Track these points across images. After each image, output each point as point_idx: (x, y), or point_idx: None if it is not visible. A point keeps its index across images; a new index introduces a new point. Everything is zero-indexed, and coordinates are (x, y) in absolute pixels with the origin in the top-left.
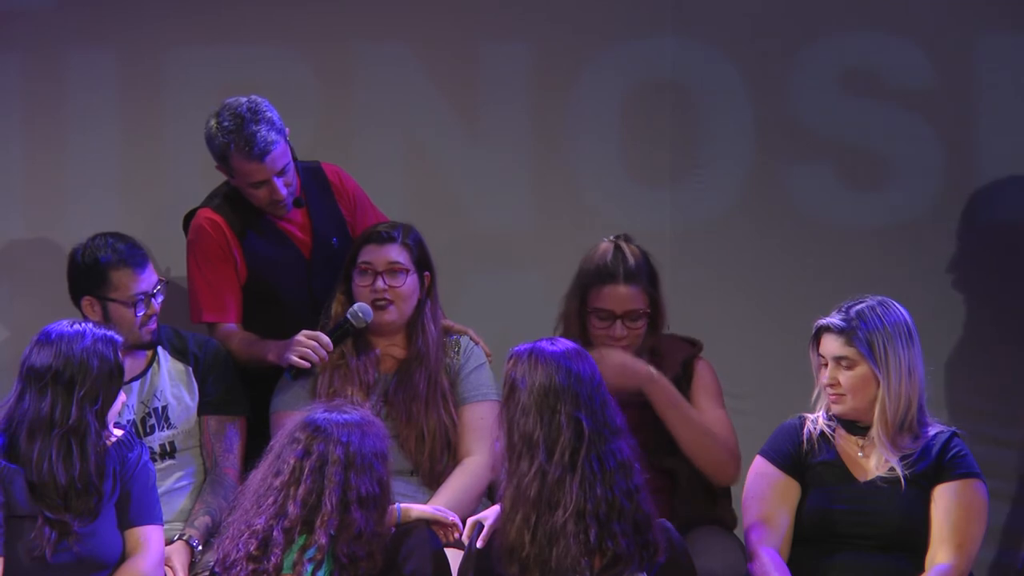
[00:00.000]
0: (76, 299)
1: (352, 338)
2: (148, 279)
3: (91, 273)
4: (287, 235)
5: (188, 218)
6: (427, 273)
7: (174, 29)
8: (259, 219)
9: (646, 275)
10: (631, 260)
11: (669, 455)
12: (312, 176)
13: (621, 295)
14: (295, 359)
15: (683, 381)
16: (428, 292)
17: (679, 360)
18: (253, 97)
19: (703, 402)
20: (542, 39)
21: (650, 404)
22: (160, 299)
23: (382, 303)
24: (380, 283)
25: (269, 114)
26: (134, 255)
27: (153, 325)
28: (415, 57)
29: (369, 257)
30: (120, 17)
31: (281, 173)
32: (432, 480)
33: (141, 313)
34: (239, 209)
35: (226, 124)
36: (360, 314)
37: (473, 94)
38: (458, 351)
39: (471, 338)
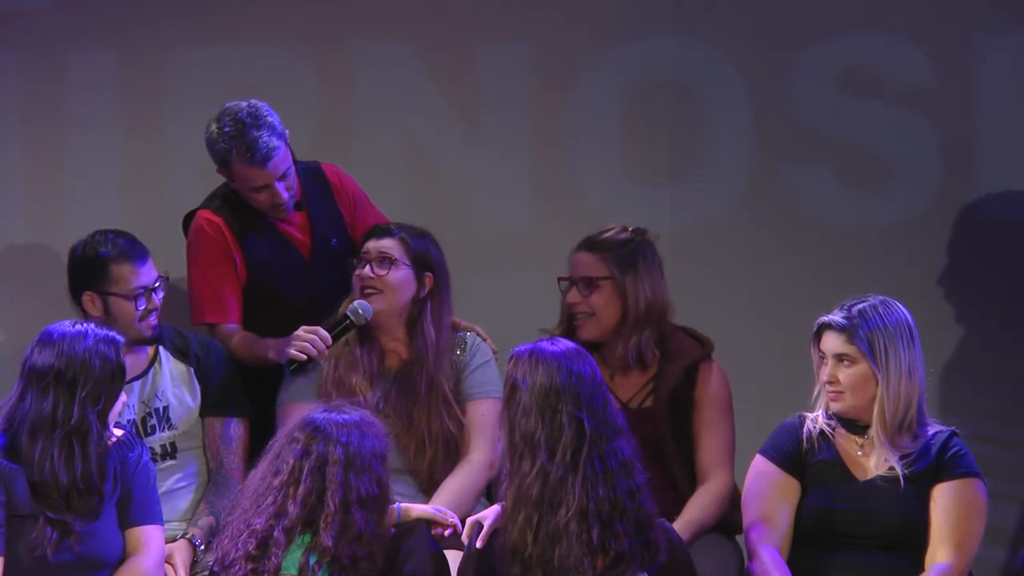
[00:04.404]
0: (77, 295)
1: (356, 332)
2: (148, 273)
3: (91, 267)
4: (287, 236)
5: (187, 219)
6: (428, 274)
7: (174, 29)
8: (259, 220)
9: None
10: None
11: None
12: (312, 177)
13: (582, 261)
14: (294, 352)
15: (684, 389)
16: (430, 294)
17: (682, 366)
18: (253, 101)
19: (708, 416)
20: (542, 39)
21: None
22: (161, 294)
23: (369, 291)
24: (368, 270)
25: (270, 119)
26: (134, 249)
27: (154, 320)
28: (415, 57)
29: (366, 247)
30: (120, 17)
31: (282, 177)
32: (431, 488)
33: (142, 307)
34: (239, 210)
35: (227, 129)
36: (360, 311)
37: (473, 94)
38: (464, 347)
39: (478, 334)
